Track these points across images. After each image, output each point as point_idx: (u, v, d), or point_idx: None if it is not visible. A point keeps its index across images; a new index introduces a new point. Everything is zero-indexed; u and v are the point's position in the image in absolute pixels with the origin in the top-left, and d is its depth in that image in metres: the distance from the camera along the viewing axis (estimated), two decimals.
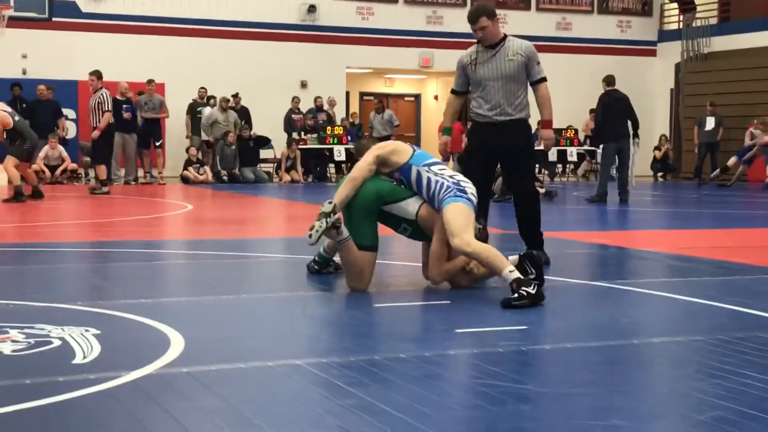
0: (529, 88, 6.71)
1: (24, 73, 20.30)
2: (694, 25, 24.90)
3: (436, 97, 28.70)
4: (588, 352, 4.02)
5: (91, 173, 19.65)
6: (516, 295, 4.95)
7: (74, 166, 18.85)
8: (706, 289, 5.74)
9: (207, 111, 20.14)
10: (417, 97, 28.94)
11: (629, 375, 3.68)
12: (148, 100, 19.20)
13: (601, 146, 15.34)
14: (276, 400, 3.23)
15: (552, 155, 21.38)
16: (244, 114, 20.55)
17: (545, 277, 5.46)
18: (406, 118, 28.92)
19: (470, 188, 5.53)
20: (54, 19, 19.95)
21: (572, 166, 23.55)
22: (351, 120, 22.59)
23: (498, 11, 19.70)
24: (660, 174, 23.62)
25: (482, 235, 5.91)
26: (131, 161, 18.80)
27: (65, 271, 6.62)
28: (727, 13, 25.80)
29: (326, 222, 5.36)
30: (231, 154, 19.68)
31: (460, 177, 5.60)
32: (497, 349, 4.02)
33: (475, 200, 5.49)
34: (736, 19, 25.36)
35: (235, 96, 20.59)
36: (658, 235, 9.91)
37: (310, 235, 5.36)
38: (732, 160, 20.10)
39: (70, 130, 19.91)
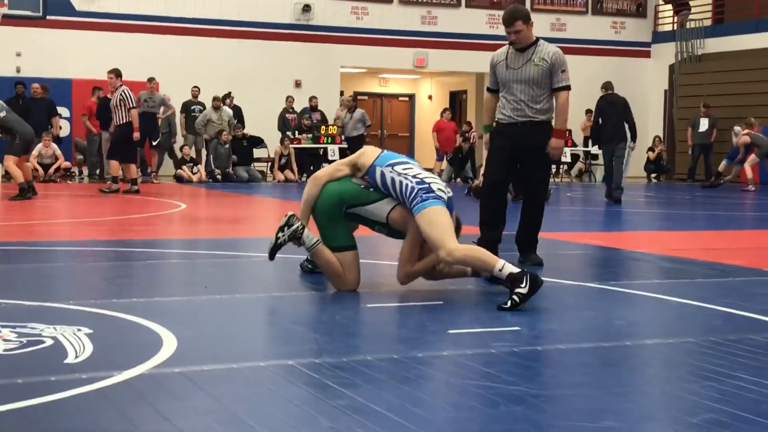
0: None
1: (18, 71, 20.26)
2: (687, 26, 24.94)
3: (430, 97, 28.72)
4: (581, 354, 4.02)
5: (85, 171, 19.67)
6: (509, 303, 4.90)
7: (68, 164, 18.82)
8: (699, 291, 5.74)
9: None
10: (411, 97, 28.94)
11: (622, 377, 3.68)
12: (148, 97, 19.16)
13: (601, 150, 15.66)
14: (268, 400, 3.23)
15: None
16: (236, 113, 20.54)
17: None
18: (400, 118, 28.93)
19: (435, 183, 5.42)
20: (48, 17, 19.93)
21: (566, 167, 23.58)
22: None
23: (492, 11, 19.96)
24: (653, 175, 23.66)
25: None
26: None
27: (58, 270, 6.60)
28: (721, 14, 25.85)
29: (281, 237, 5.42)
30: (225, 153, 19.66)
31: (424, 174, 5.47)
32: (490, 350, 4.02)
33: (444, 194, 5.38)
34: (729, 20, 25.42)
35: (228, 95, 20.57)
36: (651, 237, 9.92)
37: (269, 252, 5.46)
38: (723, 164, 20.15)
39: (64, 129, 19.88)
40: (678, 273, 6.78)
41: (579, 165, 23.99)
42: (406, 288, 5.55)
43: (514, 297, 4.90)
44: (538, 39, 6.79)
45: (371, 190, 5.56)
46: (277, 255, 5.65)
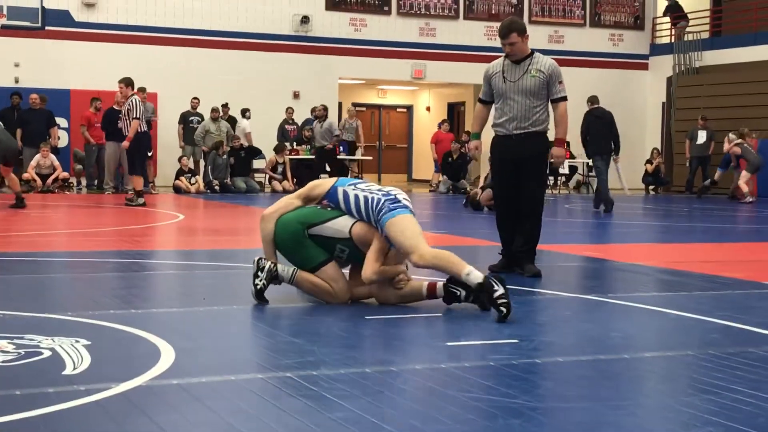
0: None
1: (17, 81, 20.28)
2: (685, 39, 25.00)
3: (428, 109, 28.75)
4: (579, 367, 4.02)
5: (84, 181, 19.66)
6: (504, 312, 4.90)
7: (66, 174, 18.81)
8: (697, 304, 5.75)
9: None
10: (409, 108, 28.98)
11: (620, 390, 3.67)
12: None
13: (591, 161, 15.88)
14: (266, 412, 3.23)
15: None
16: (232, 124, 20.56)
17: (542, 289, 5.46)
18: (398, 129, 28.97)
19: (401, 194, 5.48)
20: (47, 28, 19.95)
21: (563, 179, 23.61)
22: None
23: (490, 24, 20.01)
24: (651, 187, 23.68)
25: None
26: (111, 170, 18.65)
27: (55, 281, 6.60)
28: (719, 27, 25.92)
29: (259, 283, 5.43)
30: (223, 163, 19.67)
31: (388, 188, 5.54)
32: (488, 362, 4.02)
33: (410, 203, 5.43)
34: (727, 33, 25.48)
35: (225, 106, 20.53)
36: (649, 249, 9.93)
37: (255, 298, 5.46)
38: (718, 173, 20.21)
39: (62, 139, 19.89)
40: (676, 285, 6.78)
41: (577, 177, 24.01)
42: (402, 301, 5.54)
43: (501, 307, 4.91)
44: (533, 51, 6.89)
45: (328, 209, 5.57)
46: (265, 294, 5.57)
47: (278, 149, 20.30)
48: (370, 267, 5.37)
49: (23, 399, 3.27)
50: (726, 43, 24.52)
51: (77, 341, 4.18)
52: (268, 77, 22.28)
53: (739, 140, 19.72)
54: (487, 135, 7.11)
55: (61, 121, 19.87)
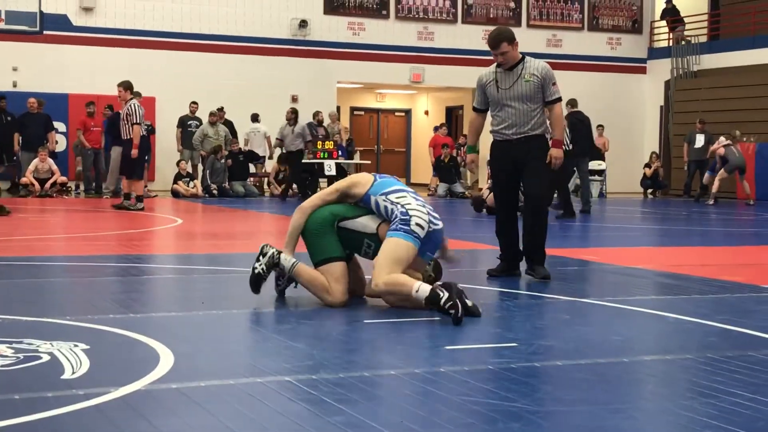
0: None
1: (14, 85, 20.28)
2: (683, 42, 25.02)
3: (426, 113, 28.77)
4: (578, 370, 4.02)
5: (82, 186, 19.66)
6: (453, 317, 4.90)
7: (64, 179, 18.82)
8: (696, 307, 5.75)
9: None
10: (407, 112, 29.00)
11: (619, 393, 3.67)
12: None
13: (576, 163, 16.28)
14: (265, 416, 3.22)
15: None
16: (229, 128, 20.54)
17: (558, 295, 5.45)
18: (396, 133, 28.97)
19: (417, 217, 5.43)
20: (45, 32, 19.97)
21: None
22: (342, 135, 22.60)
23: (488, 27, 20.03)
24: (650, 191, 23.70)
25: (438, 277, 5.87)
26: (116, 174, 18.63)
27: (54, 285, 6.59)
28: (717, 31, 25.95)
29: (258, 267, 5.51)
30: (221, 168, 19.67)
31: (413, 205, 5.50)
32: (487, 366, 4.02)
33: (420, 229, 5.40)
34: (725, 37, 25.51)
35: (220, 110, 20.43)
36: (647, 252, 9.93)
37: (251, 284, 5.54)
38: (707, 176, 20.28)
39: (60, 143, 19.89)
40: (675, 289, 6.79)
41: (575, 180, 23.99)
42: (403, 304, 5.54)
43: (450, 310, 4.92)
44: (524, 56, 6.90)
45: (360, 205, 5.67)
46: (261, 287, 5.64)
47: (281, 159, 20.29)
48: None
49: (22, 403, 3.27)
50: (724, 46, 24.56)
51: (76, 345, 4.18)
52: (267, 81, 22.28)
53: (728, 142, 19.81)
54: (484, 140, 7.13)
55: (59, 126, 19.87)
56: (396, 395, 3.49)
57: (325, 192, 5.80)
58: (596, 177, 22.97)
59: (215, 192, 19.36)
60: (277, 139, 19.79)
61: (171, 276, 7.30)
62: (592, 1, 25.77)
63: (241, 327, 4.99)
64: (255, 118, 20.88)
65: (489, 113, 7.07)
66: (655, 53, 26.10)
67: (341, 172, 21.53)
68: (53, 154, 18.77)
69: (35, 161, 18.21)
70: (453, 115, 28.10)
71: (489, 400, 3.45)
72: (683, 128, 23.19)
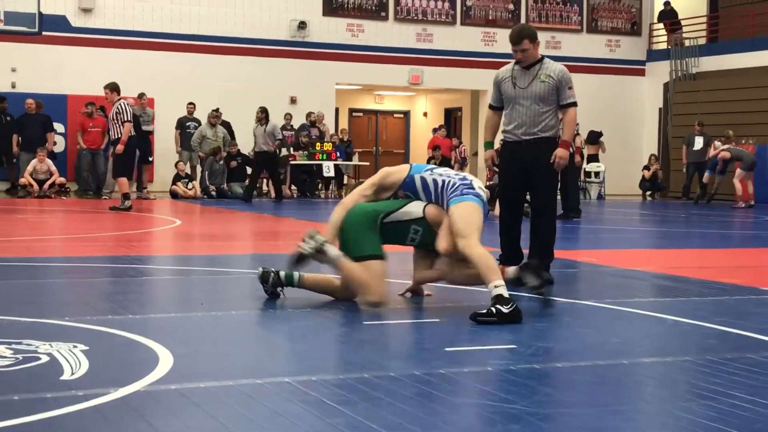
0: None
1: (13, 86, 20.26)
2: (683, 45, 25.04)
3: (425, 114, 28.76)
4: (578, 372, 4.02)
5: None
6: (486, 311, 4.94)
7: (62, 180, 18.80)
8: (695, 309, 5.75)
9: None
10: (406, 114, 28.99)
11: (619, 395, 3.67)
12: (142, 113, 19.16)
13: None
14: (264, 418, 3.22)
15: None
16: (227, 129, 20.52)
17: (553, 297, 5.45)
18: (395, 135, 28.97)
19: (477, 182, 5.60)
20: (43, 33, 19.96)
21: (560, 184, 23.60)
22: (340, 136, 22.62)
23: (487, 29, 20.07)
24: (648, 193, 23.71)
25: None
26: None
27: (53, 286, 6.59)
28: (716, 33, 25.97)
29: (305, 248, 5.46)
30: (219, 169, 19.67)
31: (465, 173, 5.69)
32: (487, 368, 4.02)
33: (483, 194, 5.54)
34: (724, 39, 25.53)
35: (216, 111, 20.31)
36: (646, 255, 9.93)
37: (292, 261, 5.50)
38: (706, 175, 20.30)
39: (59, 144, 19.88)
40: (674, 291, 6.79)
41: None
42: (402, 305, 5.55)
43: (492, 309, 4.95)
44: (543, 57, 6.86)
45: (400, 198, 5.68)
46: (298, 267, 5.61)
47: (281, 162, 20.28)
48: (444, 240, 5.47)
49: (21, 404, 3.26)
50: (723, 49, 24.57)
51: (75, 346, 4.17)
52: (266, 83, 22.27)
53: (727, 146, 19.82)
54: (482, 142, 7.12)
55: (58, 126, 19.86)
56: (395, 397, 3.49)
57: (361, 188, 5.79)
58: (595, 179, 23.00)
59: (214, 193, 19.35)
60: (230, 140, 19.50)
61: (170, 277, 7.30)
62: (591, 3, 25.78)
63: (240, 328, 4.99)
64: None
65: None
66: (653, 55, 26.11)
67: (339, 173, 21.56)
68: (52, 155, 18.76)
69: (33, 162, 18.20)
70: (452, 116, 28.11)
71: (488, 401, 3.45)
72: (682, 130, 23.20)
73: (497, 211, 7.32)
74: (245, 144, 20.49)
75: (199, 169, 20.25)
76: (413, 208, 5.59)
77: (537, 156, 6.81)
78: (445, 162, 21.83)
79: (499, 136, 7.16)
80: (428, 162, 21.80)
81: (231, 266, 7.77)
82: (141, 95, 19.36)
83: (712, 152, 20.10)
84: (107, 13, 21.26)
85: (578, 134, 15.65)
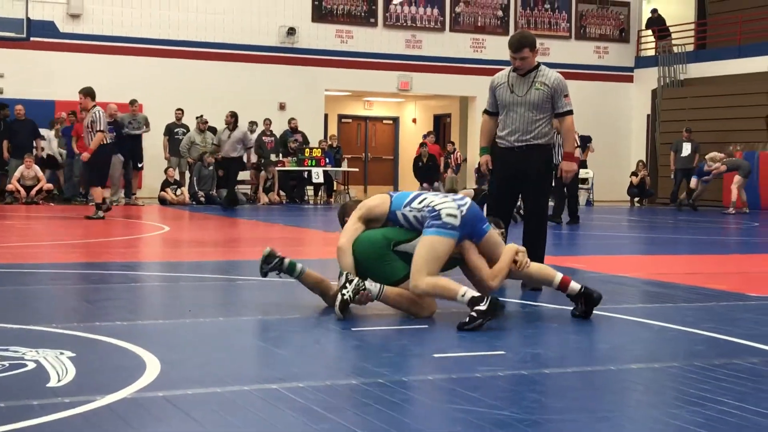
0: None
1: (1, 92, 20.22)
2: (670, 51, 25.12)
3: (414, 120, 28.79)
4: (566, 378, 4.02)
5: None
6: (467, 318, 4.93)
7: (50, 186, 18.75)
8: (683, 316, 5.76)
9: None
10: (395, 120, 29.02)
11: (607, 401, 3.67)
12: (132, 119, 19.11)
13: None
14: (252, 425, 3.21)
15: None
16: (215, 135, 20.47)
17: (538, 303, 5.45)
18: (384, 141, 28.99)
19: (445, 209, 5.37)
20: (32, 38, 19.90)
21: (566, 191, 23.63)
22: (329, 142, 22.62)
23: (476, 36, 20.14)
24: (636, 199, 23.77)
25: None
26: (116, 182, 18.53)
27: (40, 292, 6.56)
28: (704, 40, 26.07)
29: (346, 293, 5.32)
30: (208, 175, 19.64)
31: (437, 201, 5.45)
32: (475, 374, 4.01)
33: (453, 218, 5.33)
34: (712, 46, 25.64)
35: (200, 117, 20.19)
36: (634, 261, 9.95)
37: (339, 309, 5.34)
38: (694, 180, 20.37)
39: (47, 150, 19.82)
40: (661, 297, 6.80)
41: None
42: (390, 312, 5.55)
43: (472, 313, 4.93)
44: (539, 64, 6.87)
45: (405, 228, 5.58)
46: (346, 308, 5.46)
47: (267, 165, 20.25)
48: (484, 278, 5.43)
49: (7, 411, 3.24)
50: (710, 55, 24.67)
51: (62, 353, 4.15)
52: (254, 89, 22.27)
53: (717, 164, 19.89)
54: (473, 146, 7.11)
55: (46, 132, 19.80)
56: (383, 403, 3.48)
57: (350, 226, 5.64)
58: (583, 185, 23.02)
59: (202, 199, 19.32)
60: (213, 144, 19.15)
61: (157, 283, 7.28)
62: (580, 10, 25.86)
63: (227, 335, 4.97)
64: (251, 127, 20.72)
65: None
66: (642, 62, 26.20)
67: (328, 179, 21.55)
68: (43, 161, 18.71)
69: (21, 168, 18.15)
70: (441, 123, 28.14)
71: (476, 408, 3.44)
72: (670, 137, 23.27)
73: None
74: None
75: (187, 175, 20.23)
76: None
77: (529, 162, 6.82)
78: (431, 160, 21.81)
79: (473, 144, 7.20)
80: (416, 162, 21.75)
81: (219, 273, 7.76)
82: (133, 101, 19.31)
83: (706, 168, 20.16)
84: (95, 18, 21.23)
85: (578, 146, 15.73)
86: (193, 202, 19.25)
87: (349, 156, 25.87)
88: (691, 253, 10.92)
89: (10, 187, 18.24)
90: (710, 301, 6.42)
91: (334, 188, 22.17)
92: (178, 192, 19.49)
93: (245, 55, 22.40)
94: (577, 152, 16.10)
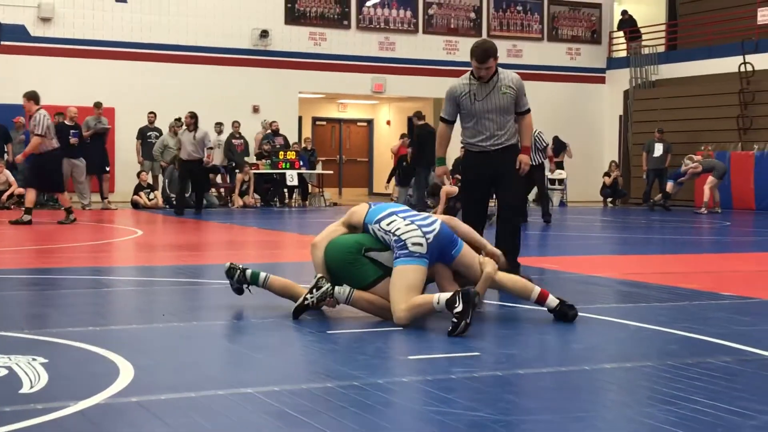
0: None
1: None
2: (641, 53, 25.28)
3: (388, 122, 28.81)
4: (540, 379, 4.03)
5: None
6: (451, 327, 4.89)
7: (21, 190, 18.59)
8: (656, 315, 5.79)
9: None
10: (369, 122, 29.02)
11: (581, 401, 3.69)
12: (96, 122, 19.00)
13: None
14: (227, 429, 3.20)
15: None
16: None
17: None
18: (358, 143, 28.98)
19: (412, 238, 5.31)
20: (2, 42, 19.75)
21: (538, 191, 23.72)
22: (304, 145, 22.59)
23: (449, 38, 20.28)
24: (609, 199, 23.89)
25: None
26: (83, 186, 18.37)
27: (11, 298, 6.50)
28: (674, 41, 26.25)
29: (309, 299, 5.38)
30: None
31: (403, 230, 5.36)
32: (450, 375, 4.02)
33: (420, 247, 5.28)
34: (683, 47, 25.81)
35: (178, 120, 20.09)
36: (607, 261, 10.00)
37: (294, 311, 5.41)
38: (669, 185, 20.50)
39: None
40: (635, 297, 6.84)
41: (535, 189, 24.14)
42: (365, 314, 5.54)
43: (453, 319, 4.91)
44: (496, 67, 6.92)
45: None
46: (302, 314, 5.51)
47: (241, 168, 20.16)
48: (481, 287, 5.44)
49: None
50: (681, 56, 24.84)
51: (34, 359, 4.12)
52: (228, 91, 22.21)
53: (694, 164, 20.02)
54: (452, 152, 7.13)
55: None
56: (359, 406, 3.48)
57: (331, 227, 5.72)
58: (557, 186, 23.14)
59: (175, 203, 19.21)
60: (167, 147, 18.84)
61: (131, 288, 7.24)
62: (552, 12, 25.97)
63: (201, 339, 4.95)
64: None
65: (460, 124, 7.08)
66: (613, 63, 26.34)
67: (303, 182, 21.50)
68: (11, 166, 18.55)
69: None
70: (415, 125, 28.15)
71: (452, 409, 3.45)
72: (642, 137, 23.41)
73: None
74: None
75: (161, 178, 20.13)
76: (391, 257, 5.41)
77: (505, 163, 6.97)
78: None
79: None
80: (401, 162, 21.50)
81: (193, 277, 7.73)
82: (98, 104, 19.15)
83: (683, 168, 20.27)
84: (66, 22, 21.10)
85: (548, 144, 15.94)
86: (167, 206, 19.16)
87: (324, 158, 25.85)
88: (663, 253, 10.98)
89: None
90: (683, 301, 6.46)
91: (309, 191, 22.12)
92: (151, 196, 19.39)
93: (218, 57, 22.32)
94: (549, 151, 16.34)
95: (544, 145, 15.20)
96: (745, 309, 6.20)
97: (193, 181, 18.02)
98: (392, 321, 5.28)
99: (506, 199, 7.10)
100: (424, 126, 18.02)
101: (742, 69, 22.18)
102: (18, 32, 20.55)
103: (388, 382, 3.87)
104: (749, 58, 22.16)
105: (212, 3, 22.37)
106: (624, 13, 26.19)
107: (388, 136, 27.49)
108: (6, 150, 18.64)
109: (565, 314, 5.45)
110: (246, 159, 21.03)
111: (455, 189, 14.90)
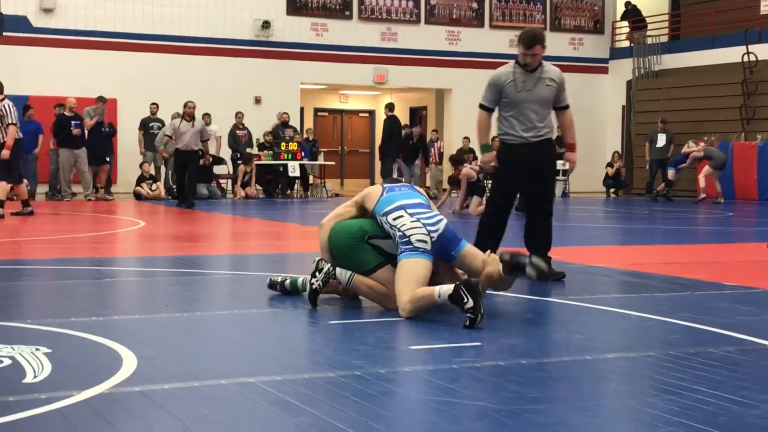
0: None
1: None
2: (645, 42, 25.24)
3: None
4: (542, 368, 4.03)
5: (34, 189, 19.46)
6: (468, 322, 4.87)
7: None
8: (658, 305, 5.80)
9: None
10: (371, 113, 28.99)
11: (583, 391, 3.69)
12: (96, 113, 18.99)
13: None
14: (230, 418, 3.21)
15: None
16: None
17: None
18: (360, 134, 28.96)
19: (415, 235, 5.32)
20: (4, 33, 19.74)
21: None
22: (306, 136, 22.58)
23: (452, 28, 20.23)
24: (612, 190, 23.88)
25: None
26: (85, 177, 18.40)
27: (15, 288, 6.52)
28: (678, 31, 26.20)
29: (315, 283, 5.39)
30: None
31: (407, 224, 5.36)
32: (452, 365, 4.02)
33: (424, 244, 5.29)
34: (686, 37, 25.77)
35: (189, 105, 20.04)
36: (610, 251, 10.00)
37: (309, 299, 5.44)
38: (671, 172, 20.48)
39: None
40: (637, 287, 6.84)
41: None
42: (367, 304, 5.55)
43: (468, 315, 4.87)
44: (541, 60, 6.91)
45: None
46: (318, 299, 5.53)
47: (246, 160, 20.13)
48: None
49: None
50: (685, 46, 24.80)
51: (38, 349, 4.13)
52: (230, 82, 22.20)
53: (698, 147, 19.99)
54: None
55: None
56: (361, 395, 3.49)
57: (343, 206, 5.75)
58: (559, 176, 23.11)
59: None
60: (166, 135, 18.38)
61: (133, 278, 7.25)
62: (555, 2, 25.92)
63: (204, 329, 4.96)
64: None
65: (498, 113, 7.00)
66: (616, 53, 26.30)
67: (304, 173, 21.50)
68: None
69: None
70: (417, 115, 28.14)
71: (454, 399, 3.45)
72: (645, 128, 23.39)
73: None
74: (212, 144, 20.38)
75: (163, 169, 20.14)
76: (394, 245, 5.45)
77: (543, 156, 6.97)
78: (421, 140, 21.69)
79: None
80: (407, 141, 21.39)
81: (195, 267, 7.74)
82: (101, 99, 19.10)
83: (685, 149, 20.24)
84: (69, 13, 21.08)
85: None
86: (169, 197, 19.16)
87: (326, 149, 25.83)
88: (666, 243, 10.98)
89: None
90: (685, 291, 6.46)
91: (311, 182, 22.12)
92: (154, 187, 19.40)
93: (220, 48, 22.31)
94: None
95: None
96: (747, 299, 6.21)
97: (187, 173, 17.45)
98: (391, 310, 5.29)
99: (543, 193, 7.03)
100: (392, 118, 18.63)
101: (746, 59, 22.14)
102: (20, 23, 20.54)
103: (390, 372, 3.88)
104: (752, 48, 22.12)
105: None
106: (627, 3, 26.14)
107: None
108: None
109: (518, 263, 5.37)
110: (249, 150, 21.02)
111: (474, 173, 14.90)
